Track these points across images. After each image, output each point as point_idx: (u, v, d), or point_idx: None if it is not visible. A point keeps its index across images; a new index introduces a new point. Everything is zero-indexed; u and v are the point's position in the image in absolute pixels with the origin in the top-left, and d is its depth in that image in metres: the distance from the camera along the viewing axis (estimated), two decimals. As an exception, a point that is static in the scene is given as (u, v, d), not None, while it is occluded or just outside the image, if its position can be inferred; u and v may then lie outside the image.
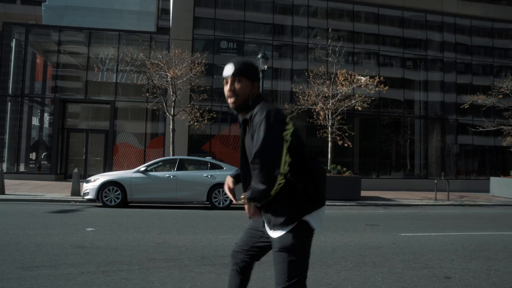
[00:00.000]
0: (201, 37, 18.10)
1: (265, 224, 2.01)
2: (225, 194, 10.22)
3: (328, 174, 13.59)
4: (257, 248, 2.14)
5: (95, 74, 17.21)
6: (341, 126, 14.58)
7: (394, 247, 5.68)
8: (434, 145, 20.56)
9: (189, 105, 14.51)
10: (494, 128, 17.12)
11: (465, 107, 17.53)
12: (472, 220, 9.33)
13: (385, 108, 19.64)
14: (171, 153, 13.58)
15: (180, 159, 10.52)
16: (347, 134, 14.38)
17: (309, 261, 1.99)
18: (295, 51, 19.14)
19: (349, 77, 13.58)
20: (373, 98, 15.12)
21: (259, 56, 13.19)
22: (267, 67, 13.65)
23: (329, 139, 14.58)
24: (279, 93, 19.10)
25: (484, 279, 4.15)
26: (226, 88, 2.02)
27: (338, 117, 14.38)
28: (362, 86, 13.71)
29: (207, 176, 10.24)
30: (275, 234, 1.93)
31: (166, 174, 10.12)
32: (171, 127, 13.68)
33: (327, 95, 14.38)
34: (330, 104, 14.25)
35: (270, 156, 1.79)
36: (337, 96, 14.24)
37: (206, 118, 14.49)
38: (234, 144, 18.16)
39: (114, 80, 17.28)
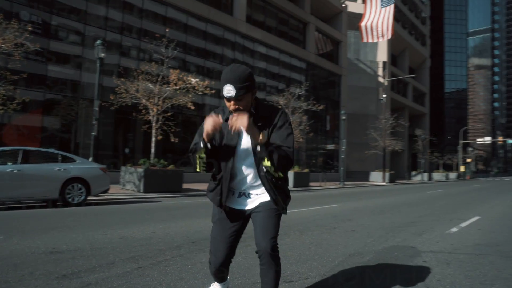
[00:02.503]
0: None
1: (254, 199, 2.26)
2: (80, 189, 9.37)
3: (153, 168, 14.17)
4: (239, 236, 2.37)
5: None
6: (166, 122, 15.25)
7: (296, 220, 7.41)
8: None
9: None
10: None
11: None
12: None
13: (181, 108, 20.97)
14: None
15: (25, 150, 8.76)
16: (173, 130, 15.19)
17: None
18: (109, 45, 18.19)
19: (184, 77, 14.53)
20: (194, 99, 16.51)
21: (98, 42, 12.26)
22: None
23: (153, 134, 15.04)
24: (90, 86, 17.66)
25: (368, 228, 6.46)
26: (229, 104, 2.11)
27: (168, 113, 15.01)
28: (196, 87, 14.92)
29: (59, 169, 9.04)
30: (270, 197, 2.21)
31: (7, 168, 8.28)
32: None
33: (155, 91, 14.77)
34: (157, 100, 14.73)
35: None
36: (164, 94, 14.83)
37: (15, 102, 12.10)
38: (30, 134, 15.66)
39: None
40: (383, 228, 6.64)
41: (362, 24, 33.51)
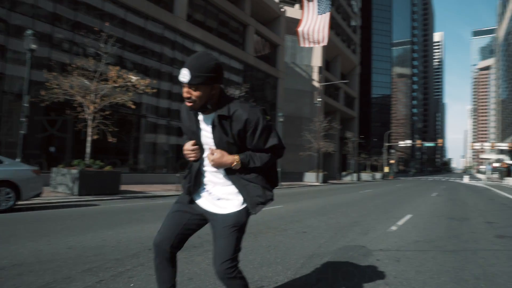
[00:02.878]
0: None
1: (213, 201, 2.11)
2: (8, 194, 8.52)
3: (89, 169, 13.38)
4: (189, 230, 2.19)
5: None
6: (103, 121, 14.43)
7: (256, 221, 7.45)
8: (162, 141, 23.24)
9: None
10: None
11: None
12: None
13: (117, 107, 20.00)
14: None
15: None
16: (110, 130, 14.41)
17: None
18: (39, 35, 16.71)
19: (124, 74, 13.87)
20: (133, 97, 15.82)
21: (28, 32, 11.21)
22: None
23: (89, 133, 14.17)
24: (14, 79, 16.07)
25: (317, 229, 6.74)
26: (184, 91, 1.93)
27: (106, 112, 14.22)
28: (137, 86, 14.29)
29: (-17, 173, 8.13)
30: (228, 210, 2.06)
31: None
32: None
33: (91, 88, 13.91)
34: (93, 98, 13.89)
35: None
36: (102, 91, 14.03)
37: None
38: None
39: None
40: (330, 228, 6.96)
41: (300, 29, 34.68)
